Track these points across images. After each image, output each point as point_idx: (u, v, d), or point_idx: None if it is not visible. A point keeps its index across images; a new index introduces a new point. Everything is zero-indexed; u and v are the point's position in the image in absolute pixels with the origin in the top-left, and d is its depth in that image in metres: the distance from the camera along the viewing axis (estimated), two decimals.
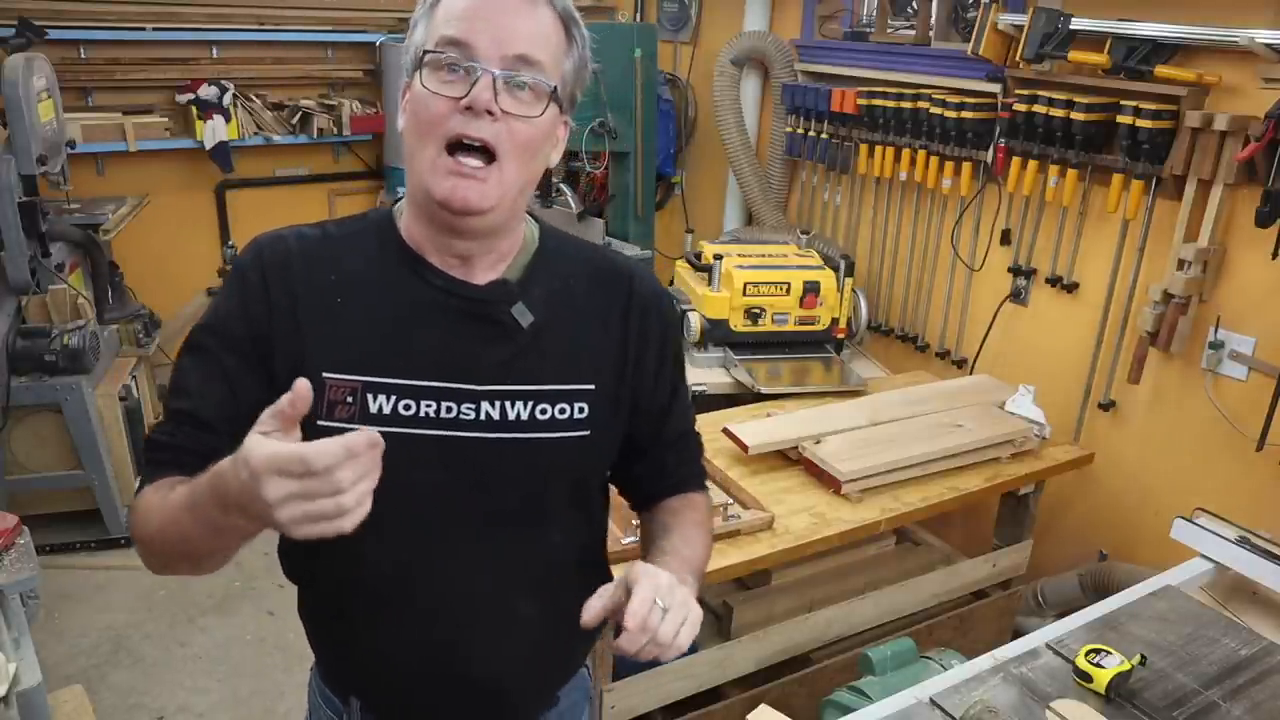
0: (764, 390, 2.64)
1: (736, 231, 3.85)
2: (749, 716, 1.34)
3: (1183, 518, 1.82)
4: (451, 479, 1.04)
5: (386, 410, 1.01)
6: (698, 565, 1.14)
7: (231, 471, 0.78)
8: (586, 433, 1.09)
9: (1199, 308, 2.36)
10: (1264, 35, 2.07)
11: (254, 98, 4.59)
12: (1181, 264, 2.31)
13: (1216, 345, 2.34)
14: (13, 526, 1.91)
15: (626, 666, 1.89)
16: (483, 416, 1.04)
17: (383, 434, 0.81)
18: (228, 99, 4.43)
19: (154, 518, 0.96)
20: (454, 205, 0.96)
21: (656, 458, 1.22)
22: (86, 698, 2.10)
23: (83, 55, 4.30)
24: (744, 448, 2.20)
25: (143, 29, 4.30)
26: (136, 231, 4.01)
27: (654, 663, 1.90)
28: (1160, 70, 2.30)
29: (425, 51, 0.96)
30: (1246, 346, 2.30)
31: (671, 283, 3.11)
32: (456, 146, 0.96)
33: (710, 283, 2.85)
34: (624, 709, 1.89)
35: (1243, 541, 1.73)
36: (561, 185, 4.01)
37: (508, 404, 1.04)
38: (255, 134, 4.58)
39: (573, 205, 3.96)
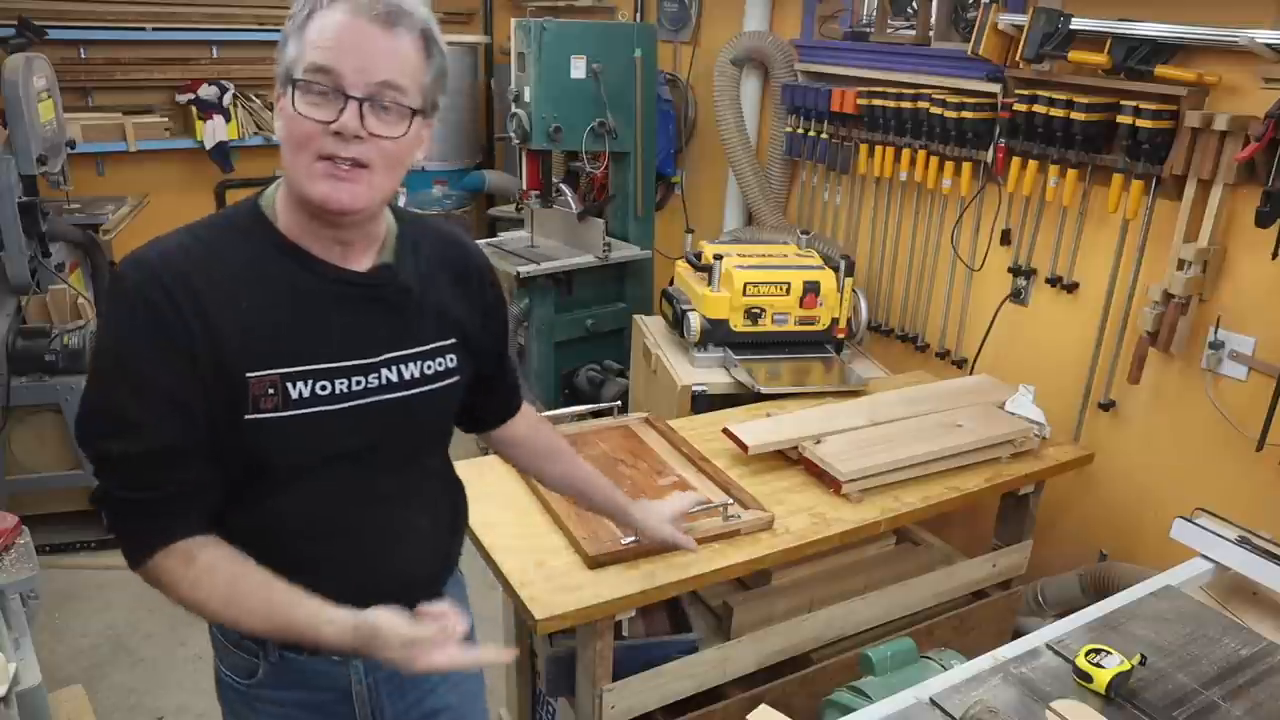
0: (764, 390, 2.64)
1: (736, 231, 3.85)
2: (749, 716, 1.34)
3: (1183, 518, 1.82)
4: (367, 439, 1.21)
5: (306, 394, 1.14)
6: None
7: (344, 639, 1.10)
8: (456, 379, 1.29)
9: (1199, 308, 2.36)
10: (1264, 35, 2.07)
11: (254, 98, 4.59)
12: (1181, 264, 2.31)
13: (1216, 345, 2.33)
14: (13, 526, 1.91)
15: (626, 666, 1.89)
16: (384, 381, 1.21)
17: (305, 415, 1.14)
18: (228, 99, 4.43)
19: (214, 601, 1.12)
20: (331, 207, 1.08)
21: (499, 387, 1.46)
22: (86, 698, 2.10)
23: (83, 55, 4.30)
24: (744, 448, 2.20)
25: (143, 29, 4.31)
26: (136, 231, 4.01)
27: (654, 662, 1.92)
28: (1160, 70, 2.30)
29: (295, 79, 1.06)
30: (1246, 346, 2.30)
31: (671, 282, 3.11)
32: (329, 156, 1.07)
33: (710, 283, 2.85)
34: (624, 709, 1.89)
35: (1243, 541, 1.73)
36: (561, 185, 4.02)
37: (401, 367, 1.22)
38: (255, 134, 4.58)
39: (572, 205, 3.96)
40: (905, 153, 3.07)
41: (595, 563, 1.79)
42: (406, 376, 1.22)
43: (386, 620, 1.08)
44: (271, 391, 1.12)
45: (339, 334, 1.17)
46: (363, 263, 1.19)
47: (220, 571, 1.12)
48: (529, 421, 1.55)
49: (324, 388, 1.15)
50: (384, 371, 1.20)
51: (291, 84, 1.06)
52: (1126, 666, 1.37)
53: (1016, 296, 2.89)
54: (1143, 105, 2.32)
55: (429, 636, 1.09)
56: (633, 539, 1.81)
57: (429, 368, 1.25)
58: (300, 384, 1.13)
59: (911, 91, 2.98)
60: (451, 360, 1.28)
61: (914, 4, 3.27)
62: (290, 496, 1.19)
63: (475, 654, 1.21)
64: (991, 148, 2.77)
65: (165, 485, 1.11)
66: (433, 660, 1.08)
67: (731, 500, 1.96)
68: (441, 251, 1.30)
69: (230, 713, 1.37)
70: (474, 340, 1.32)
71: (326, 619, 1.10)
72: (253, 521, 1.18)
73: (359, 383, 1.18)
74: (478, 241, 3.98)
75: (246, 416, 1.11)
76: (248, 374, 1.10)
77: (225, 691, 1.35)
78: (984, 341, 2.98)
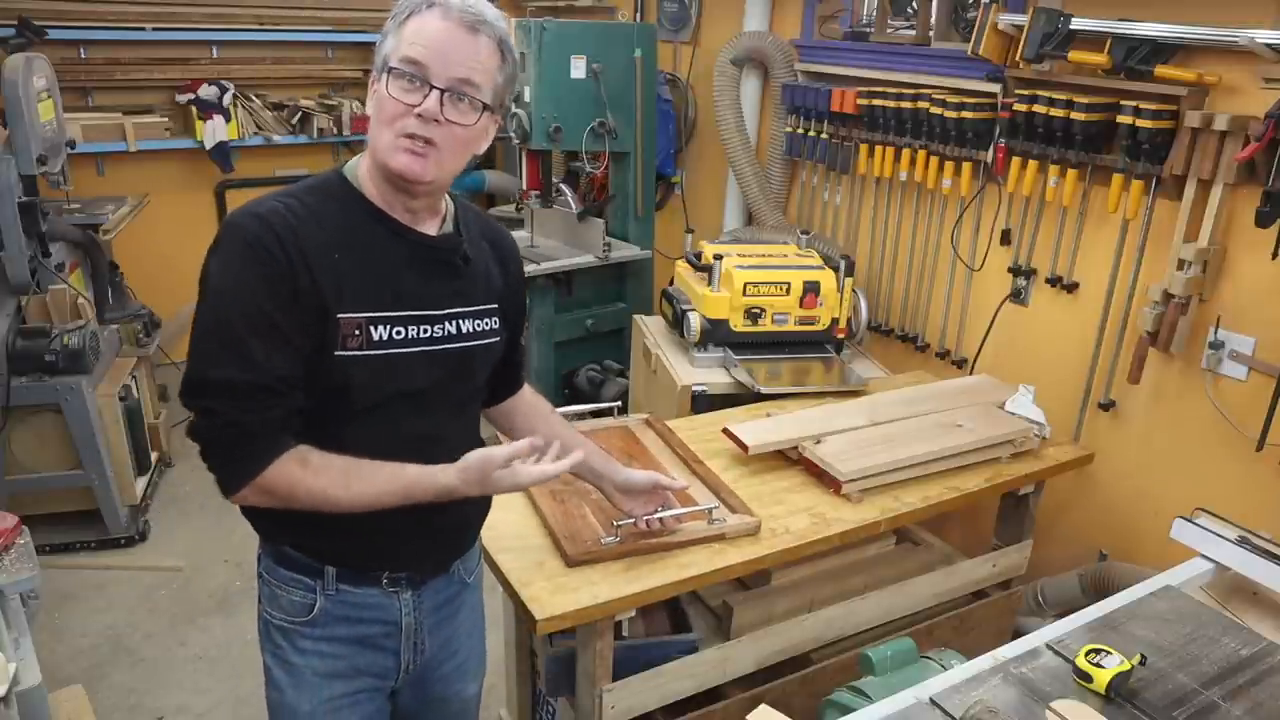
0: (764, 390, 2.64)
1: (736, 231, 3.85)
2: (749, 716, 1.33)
3: (1183, 518, 1.82)
4: (431, 380, 1.39)
5: (385, 337, 1.33)
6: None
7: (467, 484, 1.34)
8: (497, 339, 1.49)
9: (1199, 308, 2.36)
10: (1264, 35, 2.07)
11: (254, 98, 4.59)
12: (1181, 264, 2.31)
13: (1216, 345, 2.33)
14: (13, 526, 1.91)
15: (626, 666, 1.89)
16: (447, 333, 1.40)
17: (384, 355, 1.33)
18: (228, 99, 4.43)
19: (336, 486, 1.29)
20: (407, 176, 1.28)
21: (509, 366, 1.61)
22: (86, 698, 2.10)
23: (83, 55, 4.30)
24: (744, 448, 2.20)
25: (143, 29, 4.31)
26: (136, 231, 4.02)
27: (654, 662, 1.92)
28: (1160, 70, 2.30)
29: (390, 67, 1.26)
30: (1246, 346, 2.30)
31: (671, 282, 3.11)
32: (409, 135, 1.26)
33: (710, 283, 2.85)
34: (624, 709, 1.89)
35: (1243, 541, 1.73)
36: (561, 185, 4.02)
37: (461, 321, 1.42)
38: (255, 134, 4.58)
39: (573, 205, 3.97)
40: (905, 153, 3.07)
41: (573, 562, 1.79)
42: (465, 330, 1.42)
43: (484, 453, 1.33)
44: (358, 332, 1.30)
45: (414, 287, 1.36)
46: (430, 229, 1.39)
47: (334, 462, 1.30)
48: (527, 399, 1.73)
49: (399, 332, 1.34)
50: (447, 324, 1.40)
51: (387, 71, 1.26)
52: (1126, 666, 1.37)
53: (1016, 296, 2.89)
54: (1143, 105, 2.32)
55: (524, 452, 1.35)
56: (612, 539, 1.81)
57: (480, 325, 1.44)
58: (382, 328, 1.32)
59: (911, 91, 2.99)
60: (495, 322, 1.47)
61: (914, 4, 3.27)
62: (361, 427, 1.34)
63: (553, 467, 1.41)
64: (991, 148, 2.77)
65: (273, 409, 1.26)
66: (531, 472, 1.36)
67: (718, 504, 1.96)
68: (485, 230, 1.52)
69: (275, 661, 1.48)
70: (508, 310, 1.52)
71: (437, 470, 1.33)
72: (326, 447, 1.31)
73: (426, 330, 1.37)
74: None
75: (336, 353, 1.29)
76: (339, 315, 1.28)
77: (272, 636, 1.48)
78: (984, 341, 2.98)
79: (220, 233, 1.28)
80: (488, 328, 1.46)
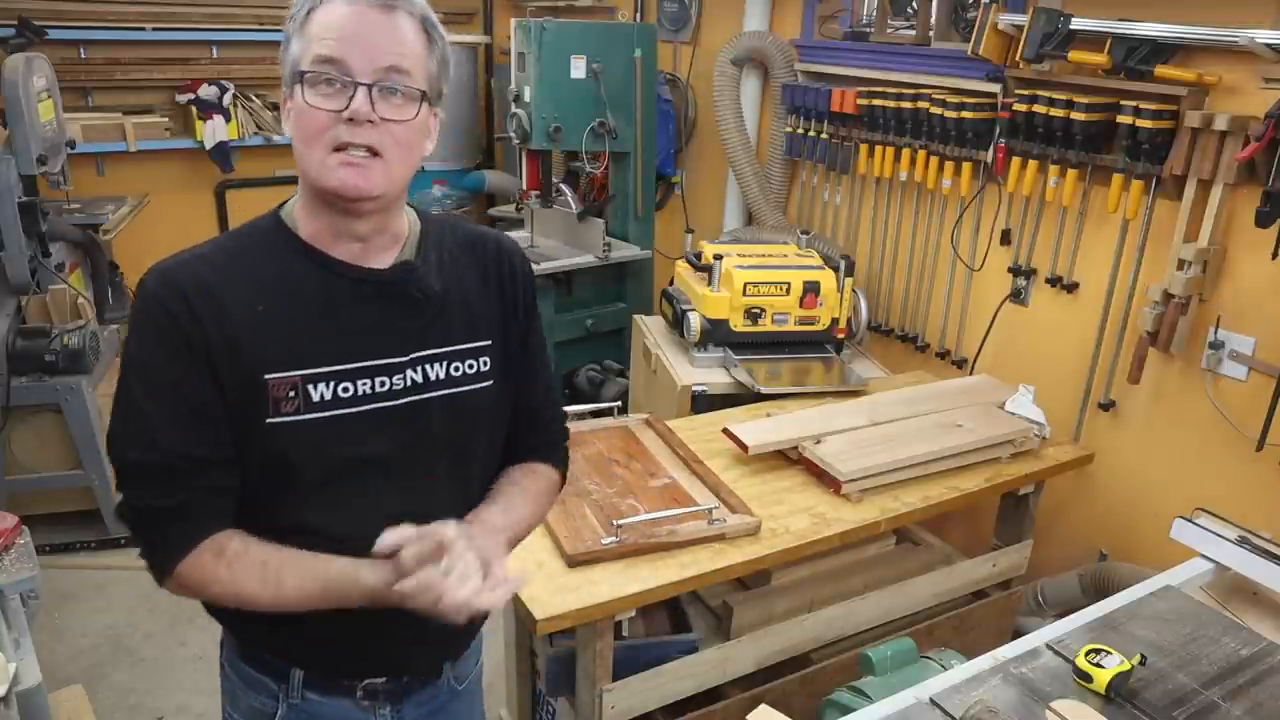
0: (764, 390, 2.64)
1: (736, 231, 3.85)
2: (749, 716, 1.33)
3: (1183, 518, 1.82)
4: (393, 442, 1.18)
5: (327, 396, 1.13)
6: (513, 537, 1.25)
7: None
8: (490, 383, 1.25)
9: (1199, 308, 2.36)
10: (1264, 35, 2.07)
11: (254, 98, 4.59)
12: (1181, 264, 2.31)
13: (1216, 345, 2.33)
14: (13, 526, 1.91)
15: (626, 666, 1.89)
16: (409, 382, 1.18)
17: (326, 417, 1.12)
18: (228, 99, 4.43)
19: (252, 583, 1.10)
20: (347, 193, 1.08)
21: (530, 420, 1.35)
22: (86, 698, 2.10)
23: (83, 55, 4.30)
24: (744, 448, 2.21)
25: (143, 29, 4.30)
26: (136, 231, 4.01)
27: (653, 662, 1.92)
28: (1160, 70, 2.30)
29: (302, 72, 1.06)
30: (1246, 346, 2.30)
31: (671, 282, 3.11)
32: (342, 147, 1.07)
33: (710, 283, 2.85)
34: (624, 709, 1.89)
35: (1243, 541, 1.73)
36: (561, 185, 4.02)
37: (427, 367, 1.19)
38: (255, 134, 4.57)
39: (572, 205, 3.96)
40: (905, 153, 3.07)
41: (573, 562, 1.80)
42: (433, 377, 1.19)
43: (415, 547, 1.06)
44: (292, 394, 1.11)
45: (360, 334, 1.15)
46: (383, 261, 1.17)
47: (252, 555, 1.11)
48: (526, 474, 1.35)
49: (345, 389, 1.14)
50: (409, 372, 1.17)
51: (300, 78, 1.07)
52: (1126, 666, 1.37)
53: (1016, 296, 2.89)
54: (1143, 105, 2.32)
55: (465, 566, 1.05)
56: (614, 538, 1.81)
57: (457, 369, 1.22)
58: (321, 385, 1.12)
59: (911, 91, 2.98)
60: (485, 363, 1.24)
61: (914, 4, 3.27)
62: (317, 506, 1.15)
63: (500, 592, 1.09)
64: (991, 148, 2.77)
65: (187, 492, 1.10)
66: (468, 595, 1.04)
67: (718, 504, 1.96)
68: (469, 249, 1.27)
69: None
70: (509, 344, 1.28)
71: (364, 565, 1.09)
72: (280, 534, 1.14)
73: (383, 383, 1.16)
74: None
75: (268, 420, 1.10)
76: (267, 376, 1.10)
77: None
78: (984, 341, 2.98)
79: (136, 292, 1.13)
80: (471, 370, 1.23)
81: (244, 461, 1.13)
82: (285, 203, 1.20)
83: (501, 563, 1.11)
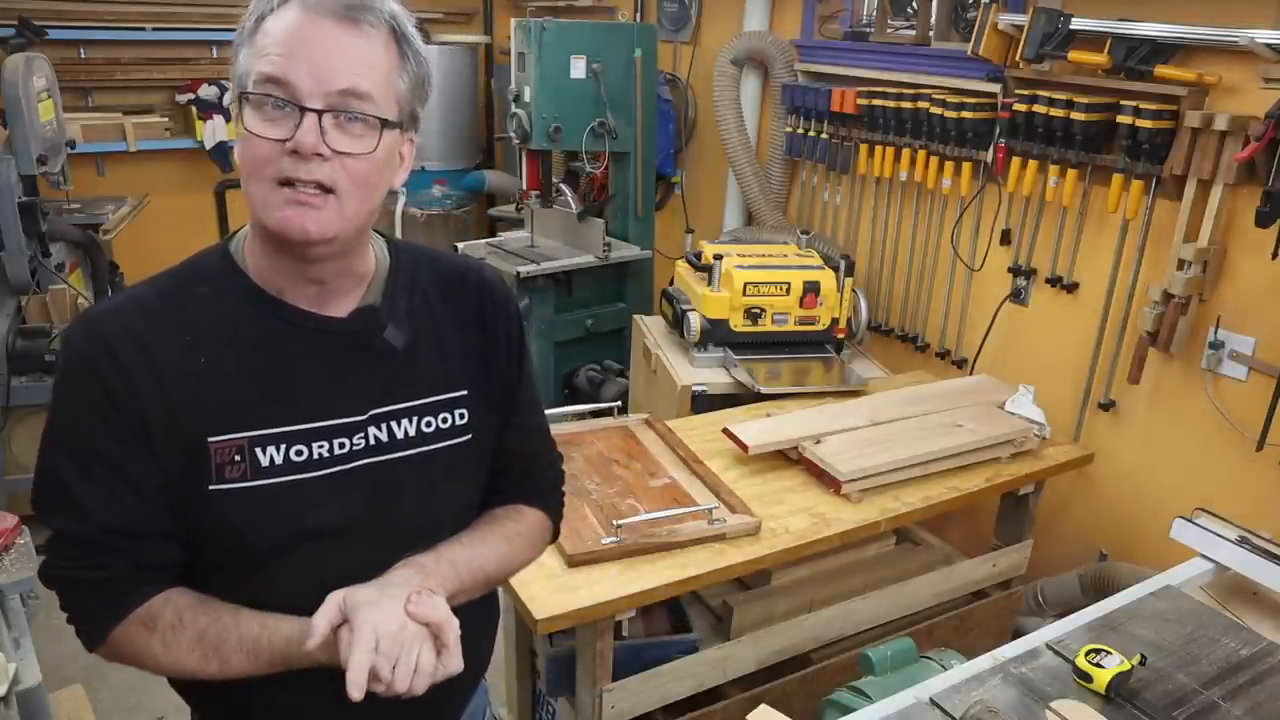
0: (764, 390, 2.64)
1: (736, 231, 3.85)
2: (749, 716, 1.33)
3: (1183, 518, 1.82)
4: (355, 510, 1.04)
5: (279, 460, 1.00)
6: (468, 573, 1.09)
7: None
8: (469, 436, 1.11)
9: (1199, 308, 2.36)
10: (1264, 35, 2.07)
11: None
12: (1181, 264, 2.31)
13: (1216, 345, 2.33)
14: (13, 526, 1.91)
15: (626, 666, 1.89)
16: (372, 442, 1.05)
17: (277, 484, 0.99)
18: (228, 99, 4.42)
19: (190, 658, 1.00)
20: (292, 236, 0.93)
21: (519, 469, 1.22)
22: (86, 698, 2.10)
23: (83, 55, 4.30)
24: (744, 448, 2.20)
25: (143, 29, 4.31)
26: (136, 231, 4.01)
27: (653, 662, 1.92)
28: (1160, 70, 2.30)
29: (244, 93, 0.92)
30: (1246, 346, 2.30)
31: (671, 282, 3.11)
32: (288, 182, 0.92)
33: (710, 283, 2.85)
34: (624, 709, 1.89)
35: (1243, 541, 1.73)
36: (561, 185, 4.01)
37: (393, 424, 1.06)
38: None
39: (572, 205, 3.96)
40: (905, 153, 3.07)
41: (573, 562, 1.80)
42: (400, 436, 1.06)
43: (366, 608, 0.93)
44: (238, 458, 0.98)
45: (315, 390, 1.01)
46: (343, 307, 1.04)
47: (187, 626, 0.99)
48: (508, 515, 1.22)
49: (299, 452, 1.00)
50: (371, 431, 1.04)
51: (243, 100, 0.92)
52: (1126, 666, 1.37)
53: (1016, 296, 2.89)
54: (1143, 105, 2.32)
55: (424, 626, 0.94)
56: (614, 538, 1.81)
57: (429, 424, 1.08)
58: (271, 449, 0.99)
59: (911, 91, 2.98)
60: (461, 416, 1.10)
61: (914, 4, 3.27)
62: (271, 581, 1.02)
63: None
64: (991, 148, 2.77)
65: (114, 565, 0.99)
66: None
67: (718, 504, 1.96)
68: (445, 287, 1.12)
69: None
70: (493, 391, 1.15)
71: (300, 625, 0.96)
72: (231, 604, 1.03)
73: (341, 445, 1.02)
74: (480, 242, 4.00)
75: (211, 487, 0.98)
76: (210, 439, 0.97)
77: None
78: (984, 341, 2.98)
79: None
80: (446, 425, 1.09)
81: (188, 529, 1.01)
82: (235, 234, 1.06)
83: (449, 622, 0.96)
